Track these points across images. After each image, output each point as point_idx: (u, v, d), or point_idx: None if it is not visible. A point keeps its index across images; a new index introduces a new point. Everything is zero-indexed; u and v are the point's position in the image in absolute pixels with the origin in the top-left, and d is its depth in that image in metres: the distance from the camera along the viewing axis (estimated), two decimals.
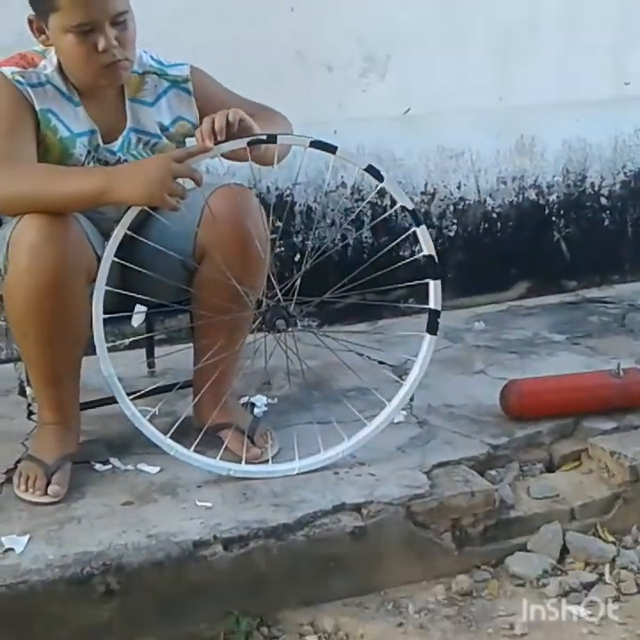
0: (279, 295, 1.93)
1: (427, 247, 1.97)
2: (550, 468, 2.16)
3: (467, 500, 1.93)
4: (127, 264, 1.92)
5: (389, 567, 1.88)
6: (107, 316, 1.88)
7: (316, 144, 1.87)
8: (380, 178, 1.92)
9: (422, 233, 1.96)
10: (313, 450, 2.00)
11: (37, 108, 1.88)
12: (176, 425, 1.99)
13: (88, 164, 1.96)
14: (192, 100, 2.04)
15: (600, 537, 2.00)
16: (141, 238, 1.95)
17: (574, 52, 3.23)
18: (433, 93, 3.04)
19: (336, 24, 2.91)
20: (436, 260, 1.97)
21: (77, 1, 1.79)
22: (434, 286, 1.99)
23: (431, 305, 1.99)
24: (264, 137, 1.84)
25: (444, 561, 1.92)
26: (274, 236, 2.15)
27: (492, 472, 2.07)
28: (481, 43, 3.11)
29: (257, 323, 1.95)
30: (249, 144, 1.83)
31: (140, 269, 1.94)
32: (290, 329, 1.94)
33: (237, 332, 2.02)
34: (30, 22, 1.89)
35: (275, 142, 1.86)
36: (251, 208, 1.97)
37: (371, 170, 1.92)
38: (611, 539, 2.01)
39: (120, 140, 1.98)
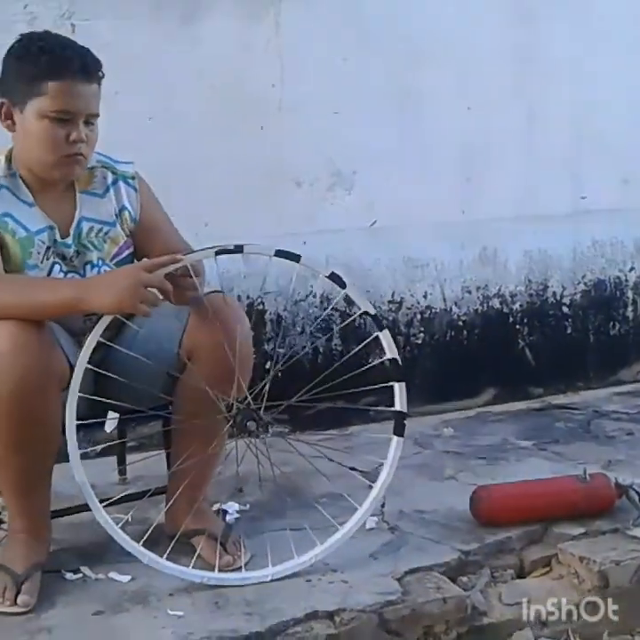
0: (249, 399, 1.96)
1: (390, 351, 2.01)
2: (521, 573, 2.16)
3: (439, 606, 1.92)
4: (103, 371, 1.95)
5: None
6: (79, 422, 1.89)
7: (281, 253, 1.93)
8: (342, 285, 1.98)
9: (385, 337, 2.01)
10: (286, 556, 2.00)
11: None
12: (148, 532, 1.99)
13: (47, 259, 1.99)
14: (137, 197, 2.10)
15: None
16: (119, 347, 1.99)
17: (532, 169, 3.37)
18: (398, 206, 3.15)
19: (304, 141, 3.02)
20: (400, 362, 2.02)
21: (65, 91, 1.88)
22: (399, 388, 2.03)
23: (397, 407, 2.03)
24: (231, 247, 1.91)
25: None
26: None
27: (464, 578, 2.07)
28: (443, 160, 3.24)
29: (228, 426, 1.97)
30: (217, 254, 1.91)
31: (116, 377, 1.97)
32: (262, 433, 1.96)
33: (214, 437, 2.03)
34: (0, 106, 1.94)
35: (242, 252, 1.92)
36: (239, 315, 2.03)
37: (334, 277, 1.97)
38: None
39: (72, 231, 2.03)
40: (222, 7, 2.88)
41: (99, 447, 2.61)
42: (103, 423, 2.15)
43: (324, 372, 2.09)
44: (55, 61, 1.88)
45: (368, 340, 2.24)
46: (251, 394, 1.97)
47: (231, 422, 1.96)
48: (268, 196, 2.99)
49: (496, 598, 2.04)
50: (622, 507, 2.29)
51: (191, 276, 1.89)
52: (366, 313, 2.00)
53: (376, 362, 2.13)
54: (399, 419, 2.03)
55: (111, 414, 2.10)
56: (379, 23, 3.09)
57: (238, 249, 1.92)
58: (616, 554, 2.11)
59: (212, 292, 2.05)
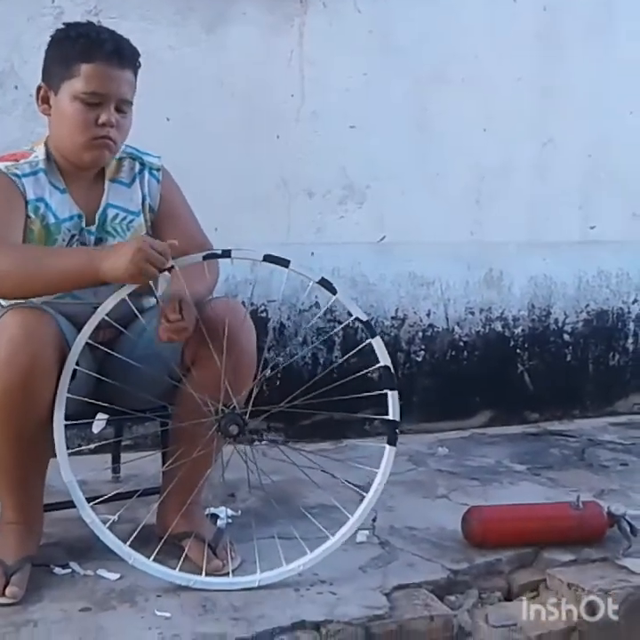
0: (234, 403, 1.96)
1: (382, 358, 2.00)
2: (509, 596, 2.16)
3: (426, 624, 1.92)
4: (101, 377, 1.96)
5: None
6: (68, 422, 1.91)
7: (270, 258, 1.93)
8: (333, 291, 1.97)
9: (377, 344, 2.00)
10: (275, 563, 2.00)
11: (28, 198, 1.97)
12: (136, 532, 1.99)
13: (70, 246, 2.02)
14: (158, 188, 2.14)
15: None
16: (118, 355, 2.02)
17: (544, 196, 3.40)
18: (408, 224, 3.17)
19: (319, 153, 3.05)
20: (392, 370, 2.00)
21: (96, 73, 1.92)
22: (391, 397, 2.01)
23: (390, 416, 2.01)
24: (219, 252, 1.93)
25: None
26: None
27: (452, 597, 2.07)
28: (456, 181, 3.26)
29: (213, 429, 1.96)
30: (204, 258, 1.93)
31: (114, 383, 1.98)
32: (246, 438, 1.96)
33: (211, 440, 2.04)
34: (38, 90, 2.00)
35: (229, 257, 1.92)
36: (244, 321, 2.02)
37: (324, 283, 1.96)
38: None
39: (97, 216, 2.06)
40: (247, 16, 2.91)
41: (92, 445, 2.63)
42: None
43: (320, 381, 2.08)
44: (89, 44, 1.93)
45: (360, 347, 2.19)
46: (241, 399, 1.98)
47: (216, 425, 1.95)
48: (279, 205, 3.01)
49: (482, 619, 2.04)
50: (613, 536, 2.30)
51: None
52: (358, 319, 1.99)
53: (369, 369, 2.11)
54: (392, 427, 2.02)
55: (100, 415, 2.10)
56: (403, 40, 3.13)
57: (226, 253, 1.92)
58: (604, 582, 2.11)
59: (219, 297, 2.07)
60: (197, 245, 2.08)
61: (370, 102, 3.09)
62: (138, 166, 2.12)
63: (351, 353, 2.38)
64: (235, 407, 1.96)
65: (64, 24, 2.01)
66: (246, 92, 2.91)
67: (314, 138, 3.04)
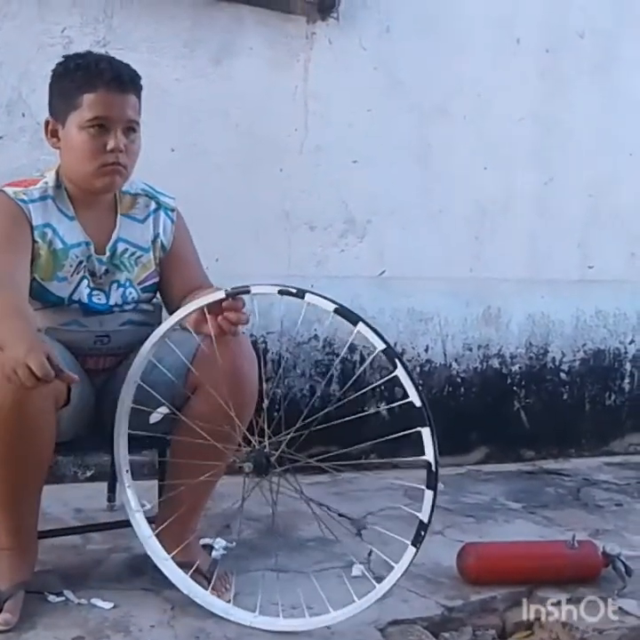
0: (266, 441, 1.91)
1: (412, 394, 1.83)
2: (503, 634, 2.15)
3: None
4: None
5: None
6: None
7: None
8: (354, 320, 1.82)
9: (402, 375, 1.82)
10: (270, 597, 1.99)
11: (34, 224, 1.99)
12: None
13: (77, 274, 2.03)
14: (172, 228, 2.16)
15: None
16: (109, 384, 2.03)
17: (543, 233, 3.43)
18: (408, 259, 3.20)
19: (321, 188, 3.08)
20: (423, 405, 1.84)
21: (98, 100, 1.95)
22: (426, 434, 1.87)
23: (428, 457, 1.87)
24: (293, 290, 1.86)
25: None
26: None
27: (446, 634, 2.06)
28: (456, 217, 3.29)
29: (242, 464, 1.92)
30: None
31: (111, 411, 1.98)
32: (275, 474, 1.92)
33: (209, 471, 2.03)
34: (46, 124, 2.03)
35: (303, 297, 1.83)
36: (246, 350, 2.02)
37: (343, 312, 1.82)
38: None
39: (108, 249, 2.07)
40: (254, 50, 2.94)
41: (88, 472, 2.62)
42: (100, 446, 2.12)
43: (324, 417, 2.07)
44: (88, 75, 1.96)
45: (387, 378, 2.14)
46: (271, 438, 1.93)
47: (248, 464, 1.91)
48: (280, 237, 3.03)
49: None
50: (607, 576, 2.29)
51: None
52: (384, 350, 1.82)
53: (395, 405, 2.03)
54: (430, 469, 1.86)
55: (161, 409, 2.03)
56: (407, 77, 3.17)
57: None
58: (599, 622, 2.10)
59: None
60: (200, 283, 2.11)
61: (373, 137, 3.12)
62: (153, 205, 2.15)
63: (382, 382, 2.34)
64: (265, 445, 1.91)
65: (63, 57, 2.04)
66: (251, 124, 2.94)
67: (316, 171, 3.06)
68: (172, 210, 2.17)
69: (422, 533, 1.86)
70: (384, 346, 1.82)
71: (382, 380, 2.14)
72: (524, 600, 2.22)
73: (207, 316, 1.91)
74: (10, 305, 1.84)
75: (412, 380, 1.83)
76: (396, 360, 1.82)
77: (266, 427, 1.92)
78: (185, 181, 2.73)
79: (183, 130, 2.85)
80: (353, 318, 1.82)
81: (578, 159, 3.44)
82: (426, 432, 1.87)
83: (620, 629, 2.10)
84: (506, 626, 2.17)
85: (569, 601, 2.20)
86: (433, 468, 1.86)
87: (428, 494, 1.87)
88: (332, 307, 1.82)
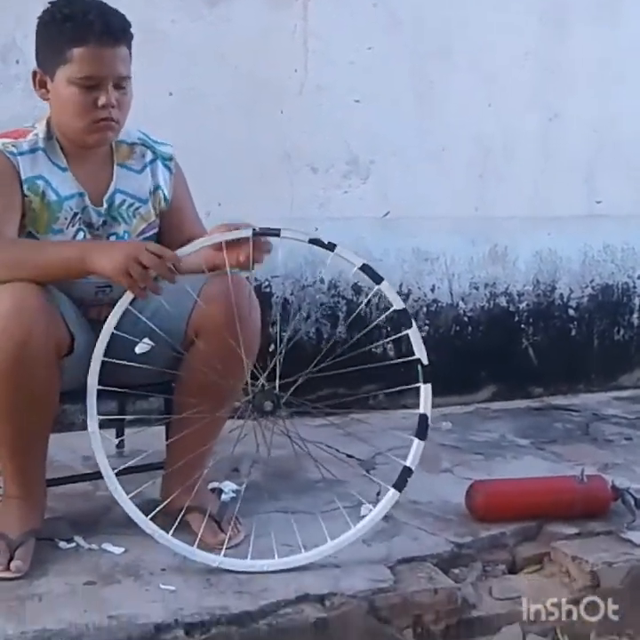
0: (262, 380, 1.95)
1: (418, 351, 1.96)
2: (513, 569, 2.16)
3: (430, 597, 1.93)
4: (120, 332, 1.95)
5: None
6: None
7: (316, 242, 1.93)
8: (378, 279, 1.94)
9: (414, 335, 1.97)
10: (282, 539, 2.00)
11: (24, 177, 1.96)
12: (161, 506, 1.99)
13: (72, 226, 2.01)
14: (171, 178, 2.14)
15: None
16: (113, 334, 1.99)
17: (548, 170, 3.37)
18: (412, 199, 3.16)
19: (323, 128, 3.03)
20: (425, 364, 1.96)
21: (88, 56, 1.89)
22: (424, 390, 1.98)
23: (421, 409, 1.99)
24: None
25: None
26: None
27: (456, 570, 2.08)
28: (460, 155, 3.24)
29: (243, 407, 1.96)
30: (254, 235, 1.90)
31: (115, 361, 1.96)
32: (278, 414, 1.95)
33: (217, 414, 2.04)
34: (34, 75, 1.98)
35: (278, 236, 1.92)
36: (245, 294, 2.02)
37: (366, 269, 1.93)
38: None
39: (105, 200, 2.05)
40: None
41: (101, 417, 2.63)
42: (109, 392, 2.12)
43: (334, 357, 2.07)
44: (77, 27, 1.89)
45: (397, 336, 2.25)
46: (264, 375, 1.96)
47: (250, 404, 1.95)
48: (282, 180, 3.00)
49: (487, 592, 2.05)
50: (617, 510, 2.30)
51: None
52: (396, 310, 1.97)
53: (399, 360, 2.09)
54: (422, 421, 1.99)
55: (147, 340, 2.05)
56: (408, 14, 3.10)
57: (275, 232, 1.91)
58: (608, 555, 2.11)
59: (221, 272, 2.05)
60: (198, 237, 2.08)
61: (374, 76, 3.06)
62: (150, 155, 2.11)
63: (390, 339, 2.37)
64: (263, 385, 1.95)
65: (49, 3, 1.96)
66: (250, 66, 2.89)
67: (318, 112, 3.01)
68: (170, 159, 2.13)
69: (406, 479, 1.99)
70: (403, 306, 1.97)
71: (383, 316, 2.15)
72: (534, 535, 2.24)
73: (224, 249, 1.90)
74: (27, 240, 1.92)
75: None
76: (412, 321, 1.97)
77: (273, 367, 1.94)
78: (184, 126, 2.71)
79: (181, 73, 2.79)
80: (377, 278, 1.94)
81: (582, 95, 3.37)
82: (426, 388, 1.98)
83: (630, 562, 2.11)
84: (516, 561, 2.18)
85: (578, 535, 2.22)
86: (428, 422, 2.00)
87: (416, 443, 2.00)
88: (360, 263, 1.93)
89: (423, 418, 1.99)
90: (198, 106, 2.82)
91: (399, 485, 2.00)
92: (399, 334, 2.03)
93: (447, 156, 3.21)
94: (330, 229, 2.99)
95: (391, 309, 1.99)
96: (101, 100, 1.91)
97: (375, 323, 2.59)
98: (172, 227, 2.14)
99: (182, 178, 2.18)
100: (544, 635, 2.00)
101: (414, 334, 1.97)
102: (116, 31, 1.92)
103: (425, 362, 1.96)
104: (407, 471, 1.99)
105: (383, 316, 2.00)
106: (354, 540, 2.00)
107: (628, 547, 2.16)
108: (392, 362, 2.19)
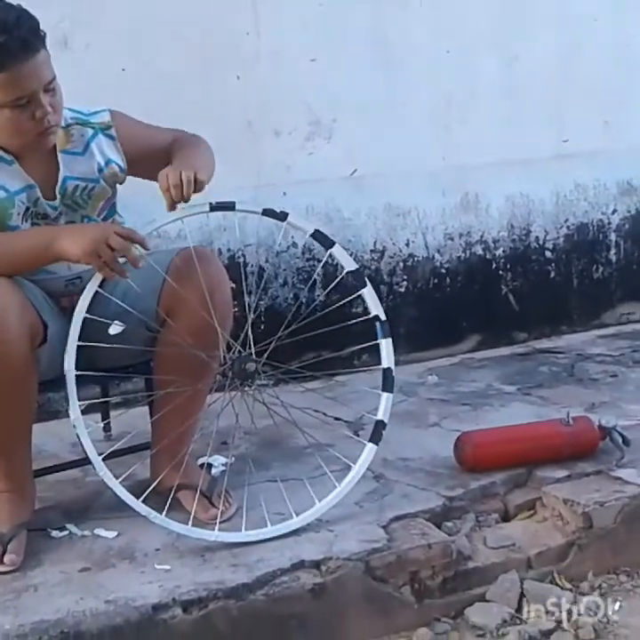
0: (237, 346, 1.98)
1: (375, 308, 2.04)
2: (505, 517, 2.18)
3: (424, 552, 1.94)
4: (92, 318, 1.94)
5: (350, 623, 1.88)
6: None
7: (269, 213, 2.00)
8: (327, 244, 2.03)
9: (369, 294, 2.05)
10: (274, 509, 2.01)
11: None
12: (151, 487, 1.99)
13: (26, 221, 1.98)
14: (117, 145, 2.08)
15: (557, 584, 2.02)
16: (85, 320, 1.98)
17: (513, 113, 3.34)
18: (378, 154, 3.12)
19: (281, 91, 2.99)
20: (383, 319, 2.04)
21: (11, 79, 1.82)
22: (385, 345, 2.05)
23: (384, 364, 2.05)
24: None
25: (403, 614, 1.92)
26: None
27: (449, 524, 2.09)
28: (423, 106, 3.21)
29: (223, 375, 1.99)
30: (211, 209, 1.97)
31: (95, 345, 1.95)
32: (259, 379, 2.00)
33: (195, 393, 2.03)
34: None
35: (233, 209, 2.00)
36: (214, 267, 2.03)
37: (317, 236, 2.01)
38: (567, 586, 2.03)
39: (58, 191, 2.01)
40: None
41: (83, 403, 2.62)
42: (90, 378, 2.11)
43: (306, 323, 2.08)
44: None
45: (352, 297, 2.30)
46: (239, 343, 1.99)
47: (229, 371, 1.98)
48: (246, 147, 2.95)
49: (481, 542, 2.06)
50: (605, 449, 2.31)
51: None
52: (349, 271, 2.04)
53: (360, 320, 2.13)
54: (388, 375, 2.06)
55: (117, 321, 2.04)
56: None
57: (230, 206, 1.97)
58: (600, 495, 2.13)
59: (190, 246, 2.04)
60: (175, 133, 2.13)
61: (328, 33, 3.02)
62: (89, 132, 2.05)
63: (348, 299, 2.39)
64: (240, 350, 1.99)
65: None
66: (200, 33, 2.83)
67: (274, 75, 2.97)
68: (109, 126, 2.07)
69: (381, 432, 2.05)
70: (355, 267, 2.07)
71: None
72: (524, 482, 2.25)
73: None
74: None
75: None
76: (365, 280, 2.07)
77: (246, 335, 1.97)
78: (139, 100, 2.62)
79: (130, 47, 2.73)
80: (327, 242, 2.03)
81: (540, 33, 3.33)
82: (387, 342, 2.07)
83: (621, 500, 2.12)
84: (508, 509, 2.20)
85: (568, 477, 2.23)
86: (393, 375, 2.08)
87: (385, 396, 2.07)
88: (312, 229, 2.02)
89: (388, 371, 2.06)
90: (152, 80, 2.76)
91: (375, 439, 2.05)
92: (352, 296, 2.15)
93: (410, 108, 3.18)
94: (298, 193, 2.98)
95: (345, 271, 2.06)
96: (38, 114, 1.86)
97: (333, 285, 2.57)
98: (148, 166, 2.04)
99: (124, 124, 2.10)
100: (541, 579, 2.02)
101: (369, 293, 2.05)
102: (30, 41, 1.82)
103: (382, 317, 2.04)
104: (381, 424, 2.05)
105: (339, 278, 2.06)
106: (340, 498, 2.02)
107: (619, 484, 2.18)
108: (351, 322, 2.23)
